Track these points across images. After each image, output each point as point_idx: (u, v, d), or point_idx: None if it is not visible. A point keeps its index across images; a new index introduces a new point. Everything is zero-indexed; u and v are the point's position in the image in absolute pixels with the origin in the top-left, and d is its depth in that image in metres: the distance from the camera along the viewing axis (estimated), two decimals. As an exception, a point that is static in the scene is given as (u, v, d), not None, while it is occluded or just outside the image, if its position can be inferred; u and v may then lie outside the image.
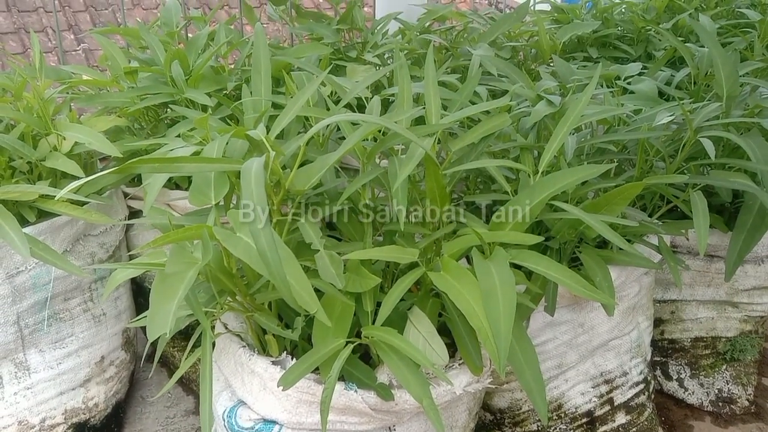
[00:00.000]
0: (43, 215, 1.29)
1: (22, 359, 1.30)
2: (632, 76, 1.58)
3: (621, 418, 1.37)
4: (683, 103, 1.27)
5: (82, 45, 4.79)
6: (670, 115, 1.27)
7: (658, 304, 1.57)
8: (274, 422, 0.98)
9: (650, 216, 1.34)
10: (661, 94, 1.55)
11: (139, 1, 5.29)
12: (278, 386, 0.90)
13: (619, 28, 2.09)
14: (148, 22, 1.81)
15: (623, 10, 2.27)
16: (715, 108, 1.27)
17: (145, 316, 0.87)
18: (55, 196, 1.18)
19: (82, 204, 1.29)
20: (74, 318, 1.37)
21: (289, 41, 2.28)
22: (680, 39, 1.93)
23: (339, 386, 0.94)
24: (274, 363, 0.98)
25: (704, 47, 1.60)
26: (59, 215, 1.28)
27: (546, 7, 2.32)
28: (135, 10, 5.20)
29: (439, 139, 1.10)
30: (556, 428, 1.35)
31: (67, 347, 1.36)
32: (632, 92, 1.50)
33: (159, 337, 0.87)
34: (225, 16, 5.11)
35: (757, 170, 1.25)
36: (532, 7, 2.17)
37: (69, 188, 0.81)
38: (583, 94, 1.14)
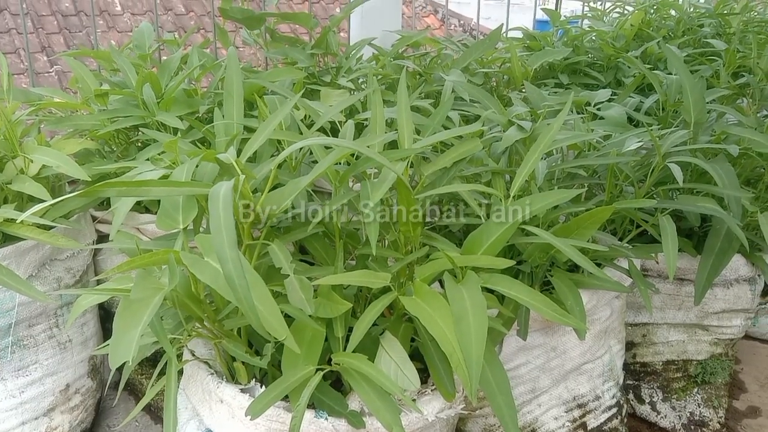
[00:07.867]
0: (8, 239, 1.26)
1: (-17, 388, 1.26)
2: (602, 102, 1.60)
3: (594, 443, 1.37)
4: (652, 129, 1.29)
5: (55, 67, 4.75)
6: (639, 141, 1.29)
7: (629, 328, 1.57)
8: (242, 451, 0.95)
9: (620, 240, 1.35)
10: (630, 120, 1.57)
11: (114, 23, 5.28)
12: (246, 415, 0.88)
13: (590, 55, 2.14)
14: (122, 45, 1.80)
15: (593, 38, 2.32)
16: (683, 134, 1.30)
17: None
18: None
19: (48, 228, 1.27)
20: (39, 345, 1.33)
21: (263, 65, 2.28)
22: (648, 66, 1.97)
23: (309, 414, 0.92)
24: (242, 391, 0.96)
25: (672, 75, 1.64)
26: (25, 239, 1.25)
27: (518, 34, 2.36)
28: (110, 32, 5.17)
29: (411, 164, 1.10)
30: (530, 454, 1.34)
31: (30, 375, 1.32)
32: (602, 118, 1.52)
33: (124, 365, 0.85)
34: (200, 40, 5.10)
35: (724, 195, 1.27)
36: (504, 34, 2.20)
37: (32, 211, 0.79)
38: (555, 120, 1.15)
